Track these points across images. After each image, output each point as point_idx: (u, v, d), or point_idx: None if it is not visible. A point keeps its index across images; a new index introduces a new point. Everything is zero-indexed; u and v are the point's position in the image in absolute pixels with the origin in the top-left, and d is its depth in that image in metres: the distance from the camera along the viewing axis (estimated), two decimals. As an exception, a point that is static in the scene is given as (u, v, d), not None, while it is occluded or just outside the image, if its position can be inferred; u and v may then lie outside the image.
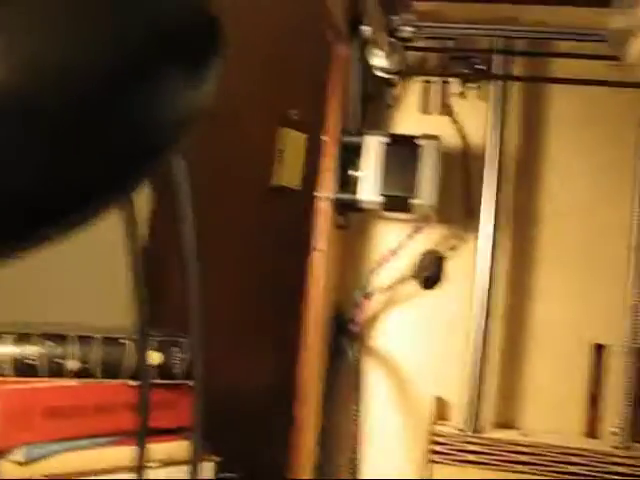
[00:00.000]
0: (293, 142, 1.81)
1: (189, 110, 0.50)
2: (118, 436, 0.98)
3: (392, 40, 0.87)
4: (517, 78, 0.89)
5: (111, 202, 0.46)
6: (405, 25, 0.87)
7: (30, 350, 1.02)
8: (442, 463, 0.84)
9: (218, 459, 1.12)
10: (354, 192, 0.87)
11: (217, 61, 0.54)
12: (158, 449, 0.96)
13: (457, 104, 0.94)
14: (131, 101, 0.47)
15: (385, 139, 0.86)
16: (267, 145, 1.87)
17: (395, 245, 0.92)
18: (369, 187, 0.86)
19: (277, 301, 1.31)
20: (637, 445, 0.86)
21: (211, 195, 1.76)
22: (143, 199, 1.49)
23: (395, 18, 0.87)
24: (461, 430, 0.87)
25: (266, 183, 1.88)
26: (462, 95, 0.94)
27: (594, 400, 0.90)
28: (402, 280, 0.92)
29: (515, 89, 0.92)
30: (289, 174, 1.82)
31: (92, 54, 0.42)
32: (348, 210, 0.90)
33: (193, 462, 0.76)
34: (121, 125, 0.48)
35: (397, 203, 0.86)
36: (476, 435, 0.86)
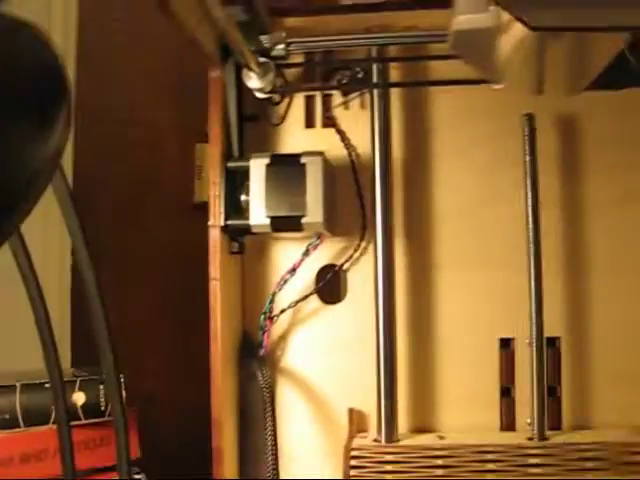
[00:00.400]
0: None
1: (40, 163, 0.50)
2: (49, 483, 0.97)
3: (264, 60, 0.86)
4: (394, 84, 0.90)
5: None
6: (276, 44, 0.86)
7: (-53, 407, 1.00)
8: (360, 477, 0.84)
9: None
10: (247, 217, 0.87)
11: (64, 107, 0.53)
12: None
13: (340, 115, 0.94)
14: None
15: (266, 160, 0.86)
16: (186, 162, 1.86)
17: (293, 264, 0.91)
18: (257, 210, 0.86)
19: (204, 327, 1.30)
20: (550, 433, 0.87)
21: (133, 218, 1.75)
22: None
23: (265, 38, 0.86)
24: (376, 441, 0.88)
25: (189, 200, 1.87)
26: (345, 106, 0.94)
27: (507, 394, 0.91)
28: (304, 298, 0.92)
29: (395, 95, 0.92)
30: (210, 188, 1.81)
31: None
32: (242, 235, 0.90)
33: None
34: None
35: (286, 223, 0.86)
36: (390, 445, 0.86)
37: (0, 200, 0.46)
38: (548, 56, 0.53)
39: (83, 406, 1.17)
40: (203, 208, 1.86)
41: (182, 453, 1.48)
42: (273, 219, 0.85)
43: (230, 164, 0.88)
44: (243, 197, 0.88)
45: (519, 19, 0.47)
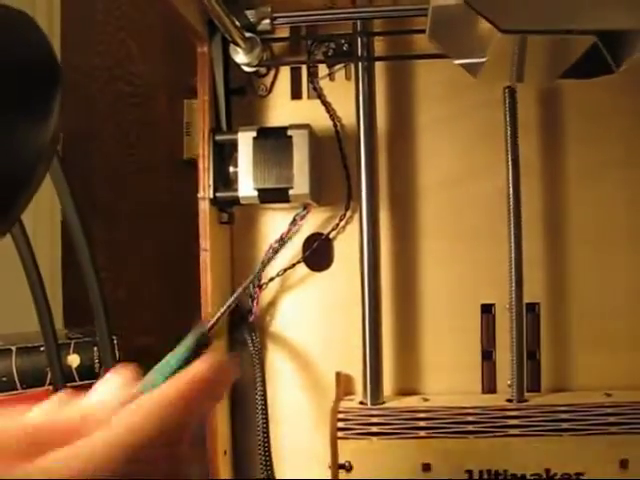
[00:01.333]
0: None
1: (40, 144, 0.52)
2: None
3: (251, 35, 0.88)
4: (378, 58, 0.91)
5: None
6: (262, 19, 0.88)
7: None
8: (346, 438, 0.87)
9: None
10: (235, 188, 0.89)
11: (58, 92, 0.55)
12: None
13: (326, 87, 0.95)
14: None
15: (254, 133, 0.88)
16: (175, 118, 1.86)
17: (281, 234, 0.94)
18: (245, 182, 0.88)
19: (195, 284, 1.33)
20: (529, 395, 0.91)
21: (123, 175, 1.76)
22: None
23: (251, 13, 0.87)
24: (362, 403, 0.91)
25: (178, 156, 1.88)
26: (330, 77, 0.95)
27: (488, 357, 0.95)
28: (292, 266, 0.94)
29: (380, 67, 0.94)
30: (199, 144, 1.82)
31: None
32: (231, 206, 0.92)
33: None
34: None
35: (274, 195, 0.88)
36: (376, 407, 0.90)
37: (5, 187, 0.49)
38: (520, 51, 0.55)
39: (78, 368, 1.21)
40: (192, 164, 1.88)
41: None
42: (261, 191, 0.88)
43: (218, 137, 0.90)
44: (231, 169, 0.90)
45: (489, 21, 0.49)
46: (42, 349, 1.16)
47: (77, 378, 1.20)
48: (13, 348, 1.14)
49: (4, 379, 1.12)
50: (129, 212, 1.86)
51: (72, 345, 1.20)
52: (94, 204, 1.78)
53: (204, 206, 0.88)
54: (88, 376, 1.20)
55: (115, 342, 1.07)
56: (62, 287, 1.70)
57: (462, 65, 0.67)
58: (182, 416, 0.40)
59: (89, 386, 1.06)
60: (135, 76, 1.91)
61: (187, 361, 0.47)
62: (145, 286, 1.86)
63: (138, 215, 1.87)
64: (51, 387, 1.13)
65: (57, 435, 0.39)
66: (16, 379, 1.14)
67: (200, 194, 0.88)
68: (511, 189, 0.88)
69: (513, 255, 0.89)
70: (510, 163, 0.88)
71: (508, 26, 0.49)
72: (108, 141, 1.86)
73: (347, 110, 0.94)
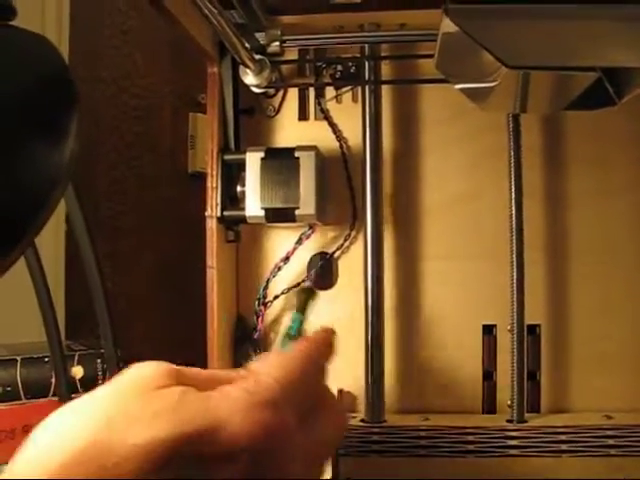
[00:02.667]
0: (203, 126, 1.82)
1: (58, 165, 0.53)
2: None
3: (260, 58, 0.89)
4: (385, 82, 0.93)
5: (9, 262, 0.49)
6: (272, 41, 0.89)
7: (-50, 382, 1.03)
8: (348, 455, 0.88)
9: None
10: (242, 207, 0.90)
11: (75, 114, 0.56)
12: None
13: (333, 108, 0.97)
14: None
15: (262, 154, 0.89)
16: (179, 130, 1.88)
17: (286, 252, 0.95)
18: (252, 202, 0.89)
19: (196, 297, 1.33)
20: (529, 416, 0.92)
21: (128, 187, 1.78)
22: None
23: (261, 36, 0.89)
24: (364, 421, 0.93)
25: (183, 169, 1.90)
26: (337, 99, 0.97)
27: (489, 377, 0.96)
28: (297, 284, 0.96)
29: (386, 90, 0.95)
30: (203, 158, 1.84)
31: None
32: (238, 224, 0.94)
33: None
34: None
35: (280, 215, 0.89)
36: (377, 425, 0.91)
37: (24, 208, 0.50)
38: (524, 84, 0.57)
39: (81, 379, 1.22)
40: (197, 177, 1.90)
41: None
42: (267, 210, 0.89)
43: (227, 156, 0.91)
44: (239, 188, 0.92)
45: (496, 57, 0.51)
46: (47, 360, 1.17)
47: (81, 389, 1.21)
48: (18, 358, 1.15)
49: (8, 389, 1.13)
50: (132, 224, 1.88)
51: (76, 357, 1.20)
52: (97, 216, 1.79)
53: (211, 224, 0.89)
54: (91, 388, 1.21)
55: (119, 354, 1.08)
56: (64, 299, 1.71)
57: (467, 94, 0.68)
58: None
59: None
60: (140, 89, 1.93)
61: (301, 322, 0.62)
62: (146, 297, 1.87)
63: (141, 228, 1.89)
64: (55, 398, 1.14)
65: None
66: (20, 389, 1.14)
67: (208, 212, 0.90)
68: (514, 211, 0.90)
69: (515, 277, 0.90)
70: (513, 186, 0.90)
71: (514, 62, 0.50)
72: (112, 153, 1.88)
73: (353, 132, 0.96)
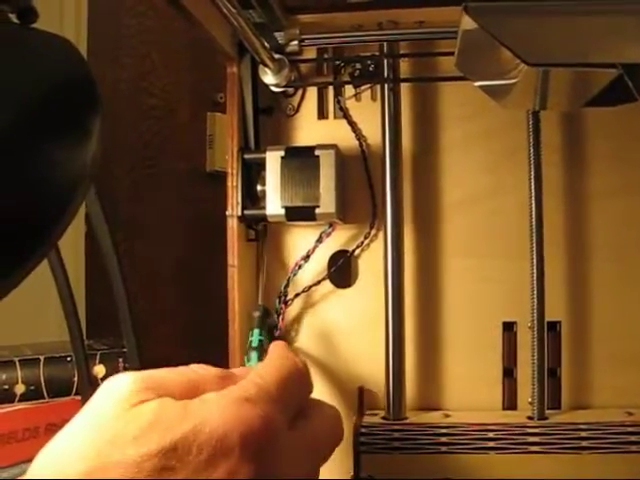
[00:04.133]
0: (221, 125, 1.84)
1: (81, 167, 0.54)
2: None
3: (279, 57, 0.90)
4: (404, 80, 0.93)
5: (34, 263, 0.50)
6: (290, 40, 0.90)
7: (-24, 381, 1.05)
8: (369, 452, 0.89)
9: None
10: (263, 206, 0.91)
11: (98, 116, 0.57)
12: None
13: (352, 107, 0.97)
14: (24, 171, 0.51)
15: (282, 153, 0.90)
16: (197, 130, 1.89)
17: (306, 251, 0.96)
18: (272, 201, 0.90)
19: (216, 295, 1.34)
20: (550, 412, 0.92)
21: (146, 187, 1.79)
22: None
23: (280, 35, 0.90)
24: (384, 418, 0.93)
25: (201, 168, 1.91)
26: (356, 98, 0.97)
27: (509, 374, 0.96)
28: (317, 283, 0.96)
29: (405, 87, 0.95)
30: (221, 157, 1.85)
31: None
32: (258, 223, 0.94)
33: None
34: (17, 190, 0.51)
35: (300, 213, 0.90)
36: (398, 422, 0.91)
37: (47, 210, 0.51)
38: (544, 81, 0.57)
39: (103, 378, 1.22)
40: (215, 176, 1.91)
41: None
42: (288, 209, 0.90)
43: (247, 156, 0.92)
44: (259, 187, 0.92)
45: (516, 55, 0.51)
46: (69, 359, 1.18)
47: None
48: (41, 358, 1.17)
49: (32, 388, 1.14)
50: (150, 224, 1.89)
51: (98, 356, 1.22)
52: (116, 216, 1.80)
53: (232, 223, 0.90)
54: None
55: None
56: (85, 298, 1.72)
57: (487, 92, 0.68)
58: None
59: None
60: (158, 89, 1.94)
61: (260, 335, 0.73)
62: (164, 297, 1.88)
63: (159, 227, 1.90)
64: (77, 397, 1.15)
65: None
66: (44, 388, 1.16)
67: (228, 211, 0.90)
68: (534, 208, 0.90)
69: (535, 273, 0.90)
70: (533, 183, 0.90)
71: (534, 59, 0.51)
72: (130, 153, 1.89)
73: (372, 130, 0.96)
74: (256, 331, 0.87)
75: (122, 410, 0.40)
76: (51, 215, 0.50)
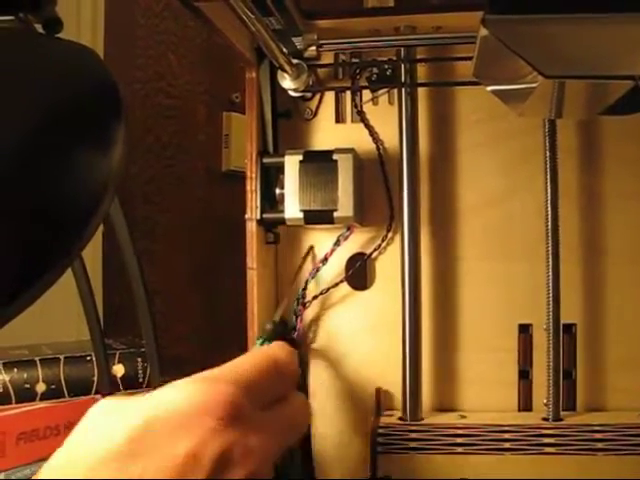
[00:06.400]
0: (238, 125, 1.85)
1: (106, 174, 0.56)
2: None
3: (298, 62, 0.91)
4: (421, 84, 0.94)
5: (62, 268, 0.51)
6: (309, 46, 0.91)
7: (-3, 379, 1.06)
8: (386, 453, 0.90)
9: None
10: (281, 210, 0.92)
11: (122, 124, 0.59)
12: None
13: (369, 110, 0.98)
14: (51, 180, 0.52)
15: (300, 157, 0.91)
16: (213, 129, 1.90)
17: (324, 254, 0.97)
18: (291, 204, 0.91)
19: (232, 295, 1.35)
20: (565, 414, 0.93)
21: (163, 186, 1.80)
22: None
23: (298, 41, 0.91)
24: (401, 419, 0.94)
25: (217, 168, 1.92)
26: (374, 101, 0.98)
27: (525, 376, 0.97)
28: (335, 285, 0.97)
29: (422, 92, 0.96)
30: (237, 157, 1.87)
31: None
32: (276, 226, 0.95)
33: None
34: (45, 197, 0.53)
35: (319, 216, 0.91)
36: (415, 423, 0.92)
37: (75, 216, 0.52)
38: (560, 91, 0.58)
39: (122, 377, 1.24)
40: (231, 176, 1.92)
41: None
42: (306, 213, 0.91)
43: (266, 160, 0.93)
44: (278, 190, 0.94)
45: (532, 67, 0.52)
46: (89, 359, 1.20)
47: (122, 387, 1.24)
48: (61, 357, 1.18)
49: (53, 387, 1.16)
50: (167, 223, 1.90)
51: (117, 355, 1.23)
52: (132, 216, 1.82)
53: (251, 227, 0.91)
54: (132, 385, 1.23)
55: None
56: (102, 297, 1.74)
57: (503, 100, 0.69)
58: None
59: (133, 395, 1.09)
60: (174, 89, 1.95)
61: None
62: (181, 296, 1.90)
63: (176, 226, 1.91)
64: (97, 396, 1.17)
65: None
66: (64, 387, 1.17)
67: (247, 215, 0.92)
68: (549, 211, 0.91)
69: (551, 276, 0.91)
70: (549, 186, 0.91)
71: (552, 72, 0.52)
72: (147, 153, 1.90)
73: (390, 133, 0.97)
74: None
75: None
76: (79, 220, 0.52)
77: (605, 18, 0.54)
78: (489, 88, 0.68)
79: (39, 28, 0.66)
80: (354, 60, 0.97)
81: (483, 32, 0.57)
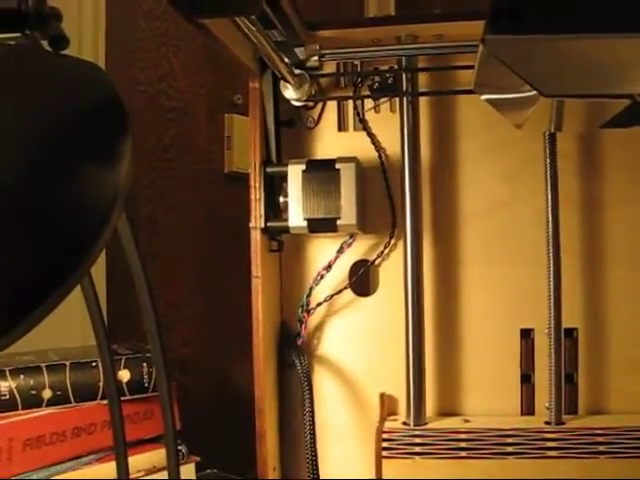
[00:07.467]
0: (239, 126, 1.85)
1: (114, 189, 0.57)
2: (100, 453, 1.04)
3: (300, 72, 0.92)
4: (422, 93, 0.95)
5: (71, 285, 0.52)
6: (311, 56, 0.92)
7: (3, 386, 1.07)
8: (390, 458, 0.91)
9: (198, 459, 1.18)
10: (285, 218, 0.93)
11: (128, 139, 0.60)
12: (142, 459, 1.03)
13: (371, 119, 0.99)
14: (59, 195, 0.53)
15: (303, 166, 0.92)
16: (215, 131, 1.91)
17: (328, 261, 0.98)
18: (295, 213, 0.92)
19: (233, 298, 1.36)
20: (567, 417, 0.94)
21: (164, 188, 1.81)
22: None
23: (300, 51, 0.92)
24: (405, 423, 0.95)
25: (219, 170, 1.93)
26: (376, 110, 0.99)
27: (527, 380, 0.98)
28: (339, 292, 0.98)
29: (424, 100, 0.97)
30: (239, 158, 1.87)
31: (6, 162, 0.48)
32: (280, 234, 0.96)
33: (171, 468, 0.83)
34: (55, 213, 0.54)
35: (322, 225, 0.92)
36: (418, 427, 0.94)
37: (83, 231, 0.53)
38: (559, 109, 0.59)
39: (128, 383, 1.25)
40: (233, 177, 1.92)
41: (216, 421, 1.55)
42: (310, 221, 0.92)
43: (269, 169, 0.94)
44: (281, 199, 0.95)
45: (533, 87, 0.53)
46: (94, 364, 1.20)
47: (127, 393, 1.24)
48: (67, 363, 1.19)
49: (59, 393, 1.17)
50: (169, 226, 1.91)
51: (122, 361, 1.24)
52: (135, 218, 1.82)
53: (255, 235, 0.92)
54: (138, 391, 1.24)
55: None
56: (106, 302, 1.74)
57: (503, 115, 0.70)
58: None
59: (139, 400, 1.09)
60: (176, 91, 1.96)
61: None
62: (184, 298, 1.90)
63: (178, 228, 1.92)
64: (103, 401, 1.17)
65: None
66: (70, 393, 1.18)
67: (252, 224, 0.92)
68: (550, 218, 0.92)
69: (552, 281, 0.92)
70: (549, 193, 0.92)
71: (551, 91, 0.52)
72: (149, 155, 1.91)
73: (392, 141, 0.98)
74: None
75: None
76: (87, 238, 0.52)
77: (603, 38, 0.55)
78: (490, 103, 0.69)
79: (45, 45, 0.67)
80: (356, 69, 0.97)
81: (483, 51, 0.58)
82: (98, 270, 1.69)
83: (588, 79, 0.54)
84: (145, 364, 1.24)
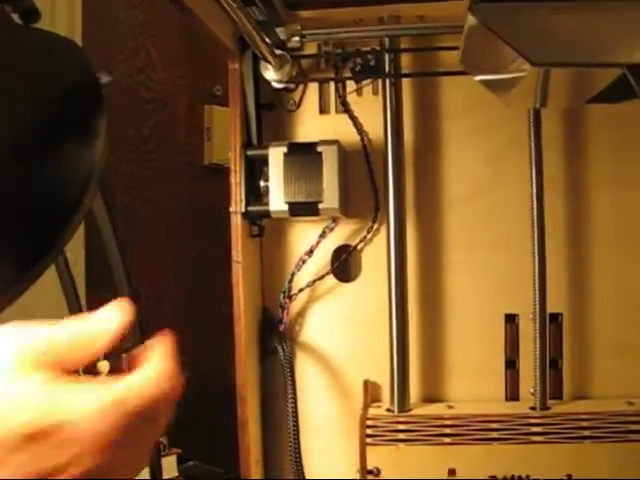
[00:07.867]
0: (219, 118, 1.84)
1: (89, 166, 0.55)
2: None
3: (281, 53, 0.90)
4: (405, 75, 0.93)
5: (45, 263, 0.51)
6: (292, 36, 0.90)
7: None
8: (374, 445, 0.90)
9: (179, 451, 1.16)
10: (266, 202, 0.91)
11: (103, 116, 0.58)
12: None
13: (353, 101, 0.98)
14: (39, 170, 0.51)
15: (284, 149, 0.90)
16: (195, 124, 1.89)
17: (310, 246, 0.96)
18: (276, 196, 0.90)
19: (214, 289, 1.34)
20: (552, 402, 0.93)
21: (144, 180, 1.79)
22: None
23: (281, 31, 0.90)
24: (389, 410, 0.94)
25: (199, 161, 1.91)
26: (358, 92, 0.98)
27: (512, 366, 0.97)
28: (321, 277, 0.97)
29: (407, 82, 0.96)
30: (219, 150, 1.85)
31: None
32: (261, 219, 0.95)
33: (153, 461, 0.81)
34: (31, 192, 0.52)
35: (304, 209, 0.91)
36: (403, 414, 0.92)
37: (60, 207, 0.51)
38: (545, 79, 0.58)
39: (108, 374, 1.23)
40: (213, 169, 1.91)
41: (197, 413, 1.54)
42: (291, 205, 0.90)
43: (249, 152, 0.92)
44: (262, 183, 0.93)
45: (520, 54, 0.52)
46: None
47: (107, 384, 1.22)
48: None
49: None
50: (149, 217, 1.89)
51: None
52: (113, 209, 1.80)
53: (236, 220, 0.91)
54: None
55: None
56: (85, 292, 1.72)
57: (489, 88, 0.69)
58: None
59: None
60: (155, 82, 1.93)
61: None
62: (164, 288, 1.89)
63: (157, 219, 1.90)
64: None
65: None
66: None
67: (232, 208, 0.91)
68: (534, 201, 0.91)
69: (537, 266, 0.91)
70: (534, 176, 0.91)
71: (539, 59, 0.51)
72: (128, 147, 1.88)
73: (374, 124, 0.96)
74: None
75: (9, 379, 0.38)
76: (64, 211, 0.51)
77: (594, 6, 0.54)
78: (476, 77, 0.68)
79: (16, 18, 0.65)
80: (337, 51, 0.96)
81: (471, 20, 0.57)
82: (77, 260, 1.67)
83: (577, 47, 0.53)
84: (125, 355, 1.22)
